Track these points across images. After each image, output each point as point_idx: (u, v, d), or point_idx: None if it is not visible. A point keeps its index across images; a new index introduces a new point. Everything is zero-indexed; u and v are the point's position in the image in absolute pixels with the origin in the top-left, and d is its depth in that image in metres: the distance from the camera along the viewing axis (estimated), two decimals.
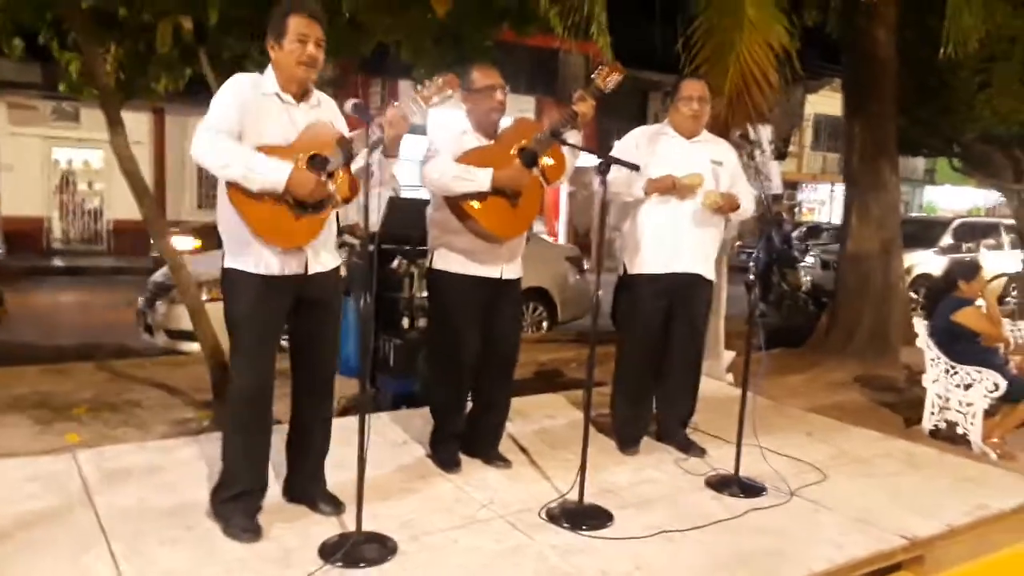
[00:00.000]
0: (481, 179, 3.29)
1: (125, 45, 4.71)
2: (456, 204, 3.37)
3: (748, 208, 4.00)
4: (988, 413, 4.77)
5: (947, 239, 13.13)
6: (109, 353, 6.94)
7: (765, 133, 5.51)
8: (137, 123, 15.76)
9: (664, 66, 5.39)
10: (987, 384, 4.71)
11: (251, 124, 2.71)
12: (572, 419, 4.49)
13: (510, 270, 3.59)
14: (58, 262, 15.64)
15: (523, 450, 3.97)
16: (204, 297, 5.60)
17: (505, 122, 3.56)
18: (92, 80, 4.39)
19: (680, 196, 3.85)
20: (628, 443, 4.06)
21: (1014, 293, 11.31)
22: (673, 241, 3.89)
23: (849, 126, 7.48)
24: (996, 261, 12.92)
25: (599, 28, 5.02)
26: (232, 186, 2.66)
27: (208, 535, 2.85)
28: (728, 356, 5.88)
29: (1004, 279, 12.85)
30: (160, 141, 17.61)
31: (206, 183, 17.99)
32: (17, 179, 16.59)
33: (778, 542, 3.09)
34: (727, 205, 3.86)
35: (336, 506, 3.05)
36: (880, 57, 7.04)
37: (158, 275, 6.91)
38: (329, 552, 2.73)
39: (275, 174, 2.63)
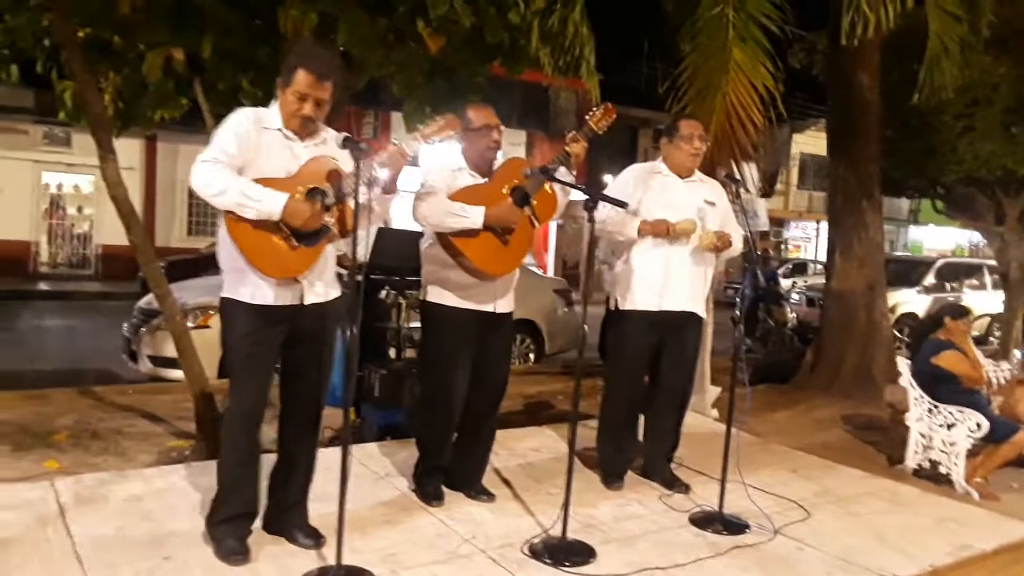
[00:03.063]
0: (473, 216, 3.33)
1: (122, 74, 4.75)
2: (448, 241, 3.40)
3: (738, 246, 4.06)
4: (971, 453, 4.79)
5: (931, 279, 13.28)
6: (92, 379, 6.88)
7: (750, 171, 5.59)
8: (129, 149, 15.81)
9: (653, 103, 5.48)
10: (970, 424, 4.74)
11: (253, 157, 2.74)
12: (557, 452, 4.48)
13: (503, 304, 3.60)
14: (44, 286, 15.55)
15: (507, 483, 3.95)
16: (190, 324, 5.60)
17: (498, 159, 3.60)
18: (85, 108, 4.42)
19: (673, 241, 3.89)
20: (612, 478, 4.05)
21: (997, 333, 11.40)
22: (667, 279, 3.91)
23: (833, 167, 7.59)
24: (979, 301, 13.09)
25: (588, 69, 5.11)
26: (229, 215, 2.69)
27: (185, 566, 2.82)
28: (713, 392, 5.90)
29: (987, 319, 13.00)
30: (151, 168, 17.64)
31: (196, 210, 18.01)
32: (6, 203, 16.57)
33: None
34: (722, 244, 3.91)
35: (316, 539, 3.02)
36: (864, 100, 7.17)
37: (144, 301, 6.88)
38: None
39: (271, 202, 2.66)
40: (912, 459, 5.06)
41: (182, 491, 3.53)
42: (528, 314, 8.07)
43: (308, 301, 2.87)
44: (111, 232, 15.30)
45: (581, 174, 3.57)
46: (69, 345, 9.64)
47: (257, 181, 2.69)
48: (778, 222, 27.93)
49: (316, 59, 2.81)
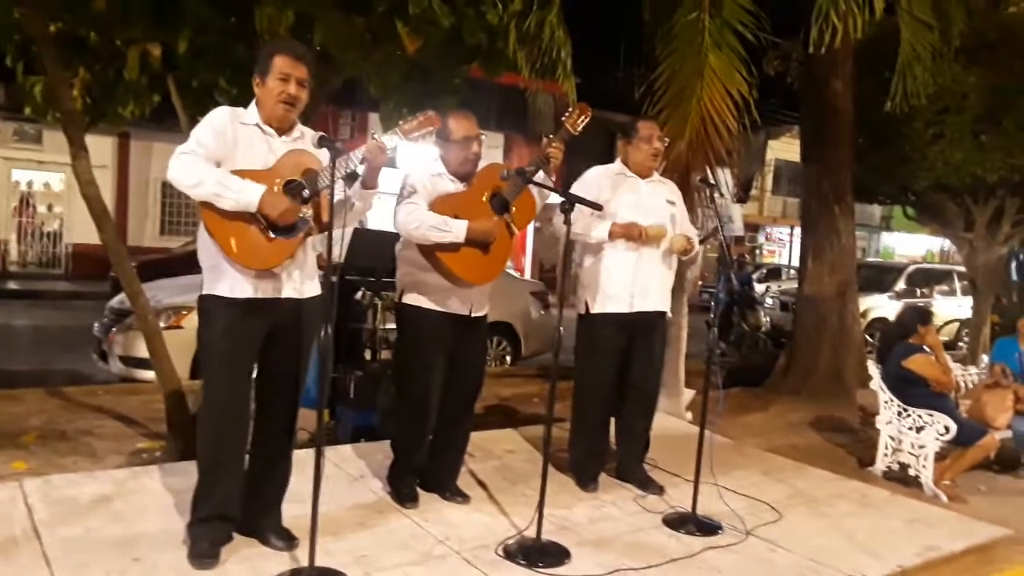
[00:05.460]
0: (456, 232, 3.33)
1: (94, 70, 4.68)
2: (428, 250, 3.40)
3: (697, 249, 4.15)
4: (939, 456, 4.87)
5: (902, 284, 13.49)
6: (62, 379, 6.77)
7: (725, 177, 5.65)
8: (101, 147, 15.60)
9: (631, 108, 5.52)
10: (938, 427, 4.81)
11: (230, 152, 2.76)
12: (532, 455, 4.49)
13: (479, 307, 3.61)
14: (13, 285, 15.25)
15: (482, 485, 3.95)
16: (162, 325, 5.54)
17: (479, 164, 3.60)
18: (56, 104, 4.36)
19: (645, 244, 3.93)
20: (586, 480, 4.07)
21: (966, 338, 11.59)
22: (638, 280, 3.95)
23: (807, 172, 7.68)
24: (948, 307, 13.30)
25: (564, 72, 5.13)
26: (206, 208, 2.70)
27: (154, 568, 2.79)
28: (688, 394, 5.94)
29: (956, 325, 13.21)
30: (124, 166, 17.40)
31: (170, 209, 17.81)
32: None
33: None
34: (691, 247, 3.96)
35: (289, 540, 3.00)
36: (837, 107, 7.27)
37: (115, 301, 6.79)
38: None
39: (248, 193, 2.67)
40: (882, 461, 5.14)
41: (152, 492, 3.49)
42: (505, 316, 8.07)
43: (285, 294, 2.86)
44: (82, 231, 15.12)
45: (559, 179, 3.58)
46: (39, 345, 9.48)
47: (235, 173, 2.71)
48: (753, 227, 28.19)
49: (290, 44, 2.92)
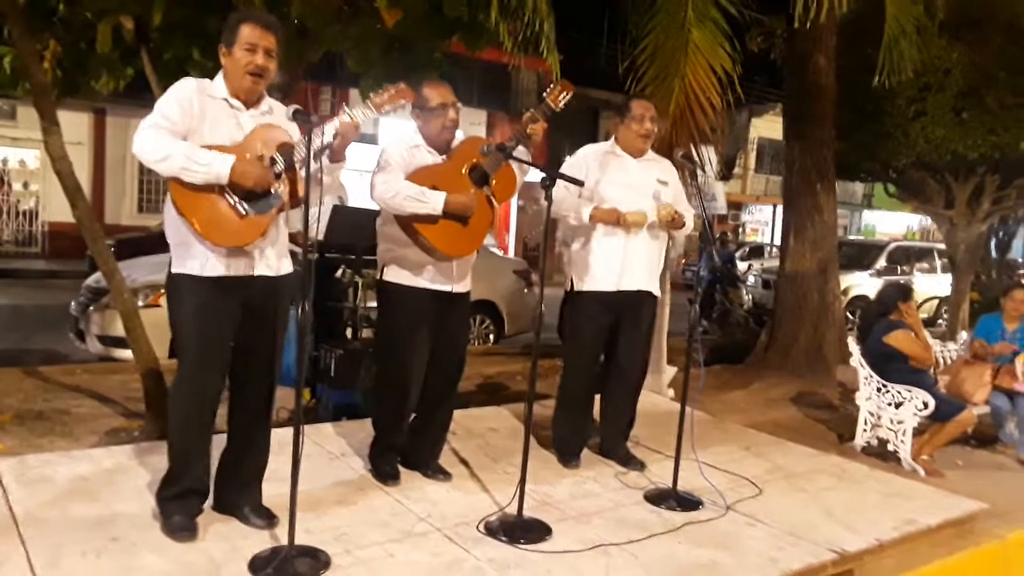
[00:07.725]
0: (434, 203, 3.28)
1: (65, 42, 4.58)
2: (407, 222, 3.35)
3: (690, 225, 4.09)
4: (917, 431, 4.92)
5: (882, 262, 13.59)
6: (39, 359, 6.70)
7: (708, 154, 5.62)
8: (77, 124, 15.36)
9: (615, 85, 5.48)
10: (917, 403, 4.86)
11: (196, 125, 2.69)
12: (515, 432, 4.48)
13: (461, 284, 3.58)
14: None
15: (464, 463, 3.94)
16: (140, 303, 5.47)
17: (458, 135, 3.56)
18: (27, 76, 4.26)
19: (624, 230, 3.89)
20: (568, 456, 4.07)
21: (945, 315, 11.71)
22: (624, 258, 3.92)
23: (789, 149, 7.67)
24: (929, 284, 13.43)
25: (548, 45, 5.06)
26: (175, 185, 2.62)
27: (133, 547, 2.76)
28: (670, 371, 5.96)
29: (936, 301, 13.35)
30: (100, 143, 17.13)
31: (147, 187, 17.60)
32: None
33: (713, 555, 3.13)
34: (679, 219, 3.93)
35: (268, 519, 2.98)
36: (820, 83, 7.24)
37: (92, 280, 6.70)
38: (260, 566, 2.67)
39: (218, 164, 2.61)
40: (861, 437, 5.18)
41: (130, 472, 3.46)
42: (488, 295, 8.05)
43: (258, 272, 2.81)
44: (58, 209, 14.82)
45: (542, 155, 3.56)
46: (15, 324, 9.37)
47: (203, 147, 2.64)
48: (736, 206, 28.26)
49: (257, 15, 2.84)
